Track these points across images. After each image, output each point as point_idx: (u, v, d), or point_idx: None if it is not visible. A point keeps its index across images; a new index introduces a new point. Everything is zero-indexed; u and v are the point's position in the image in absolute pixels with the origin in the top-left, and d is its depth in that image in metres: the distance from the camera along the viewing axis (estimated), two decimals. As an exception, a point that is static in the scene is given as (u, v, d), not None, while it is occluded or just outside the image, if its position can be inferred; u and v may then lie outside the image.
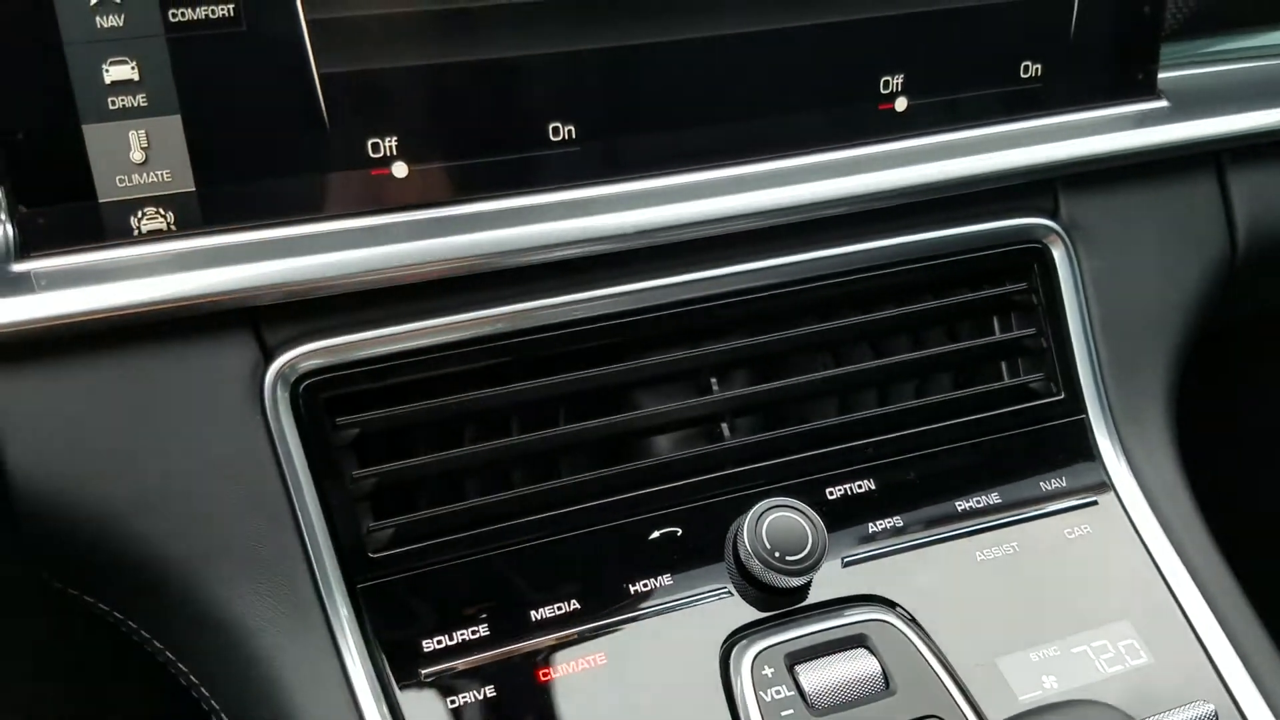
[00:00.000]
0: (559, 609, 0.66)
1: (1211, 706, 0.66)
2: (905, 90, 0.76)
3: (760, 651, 0.66)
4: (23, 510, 0.62)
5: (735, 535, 0.68)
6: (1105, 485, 0.77)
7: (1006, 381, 0.79)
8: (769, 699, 0.64)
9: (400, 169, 0.68)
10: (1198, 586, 0.73)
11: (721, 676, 0.65)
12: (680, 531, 0.70)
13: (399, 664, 0.63)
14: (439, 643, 0.64)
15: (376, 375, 0.67)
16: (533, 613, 0.66)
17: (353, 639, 0.63)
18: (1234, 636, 0.71)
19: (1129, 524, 0.75)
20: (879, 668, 0.66)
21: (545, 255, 0.69)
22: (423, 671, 0.63)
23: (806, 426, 0.74)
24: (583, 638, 0.65)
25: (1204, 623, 0.72)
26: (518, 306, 0.69)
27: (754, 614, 0.68)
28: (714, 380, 0.74)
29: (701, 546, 0.70)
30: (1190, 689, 0.69)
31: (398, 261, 0.67)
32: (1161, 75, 0.83)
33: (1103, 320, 0.79)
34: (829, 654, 0.66)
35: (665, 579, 0.68)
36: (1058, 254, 0.80)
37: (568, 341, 0.71)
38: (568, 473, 0.71)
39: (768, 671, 0.65)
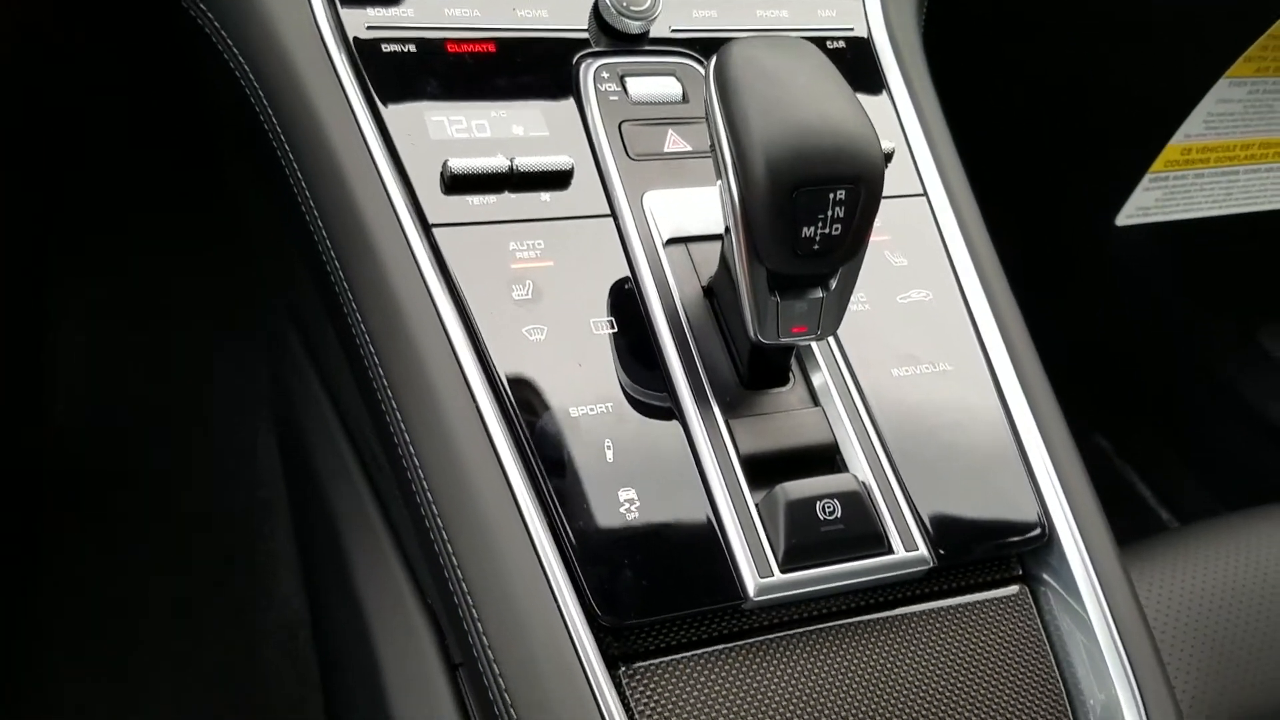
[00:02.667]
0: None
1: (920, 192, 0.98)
2: None
3: (601, 65, 0.92)
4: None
5: (600, -5, 0.94)
6: (882, 85, 1.04)
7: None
8: (603, 89, 0.91)
9: None
10: (924, 134, 1.01)
11: (573, 79, 0.91)
12: None
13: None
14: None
15: None
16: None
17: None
18: (946, 180, 1.00)
19: (892, 106, 1.03)
20: (680, 88, 0.93)
21: None
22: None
23: None
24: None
25: (923, 158, 1.00)
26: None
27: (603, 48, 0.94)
28: None
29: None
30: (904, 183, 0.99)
31: None
32: None
33: None
34: (650, 75, 0.93)
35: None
36: None
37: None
38: None
39: (605, 75, 0.91)
